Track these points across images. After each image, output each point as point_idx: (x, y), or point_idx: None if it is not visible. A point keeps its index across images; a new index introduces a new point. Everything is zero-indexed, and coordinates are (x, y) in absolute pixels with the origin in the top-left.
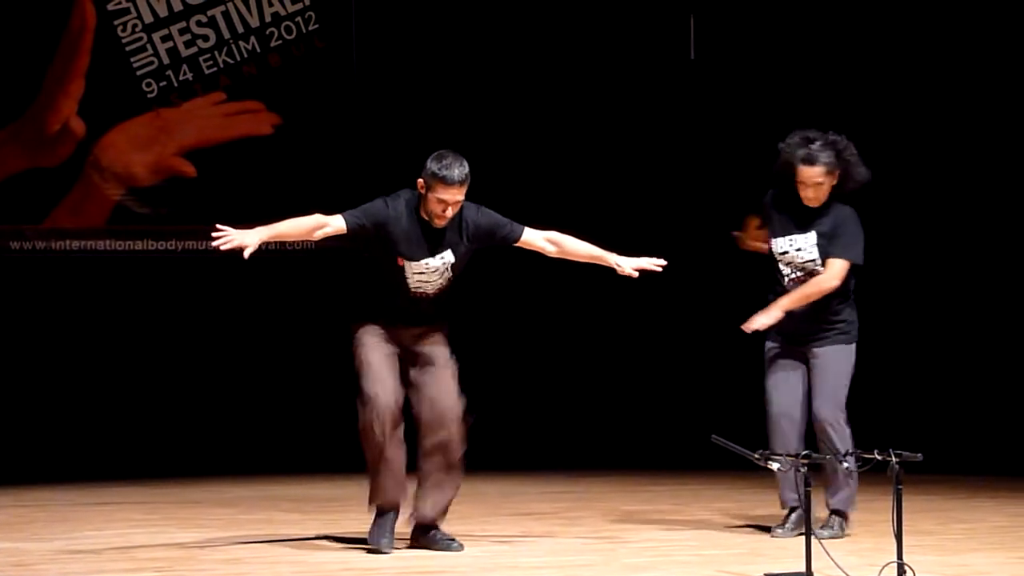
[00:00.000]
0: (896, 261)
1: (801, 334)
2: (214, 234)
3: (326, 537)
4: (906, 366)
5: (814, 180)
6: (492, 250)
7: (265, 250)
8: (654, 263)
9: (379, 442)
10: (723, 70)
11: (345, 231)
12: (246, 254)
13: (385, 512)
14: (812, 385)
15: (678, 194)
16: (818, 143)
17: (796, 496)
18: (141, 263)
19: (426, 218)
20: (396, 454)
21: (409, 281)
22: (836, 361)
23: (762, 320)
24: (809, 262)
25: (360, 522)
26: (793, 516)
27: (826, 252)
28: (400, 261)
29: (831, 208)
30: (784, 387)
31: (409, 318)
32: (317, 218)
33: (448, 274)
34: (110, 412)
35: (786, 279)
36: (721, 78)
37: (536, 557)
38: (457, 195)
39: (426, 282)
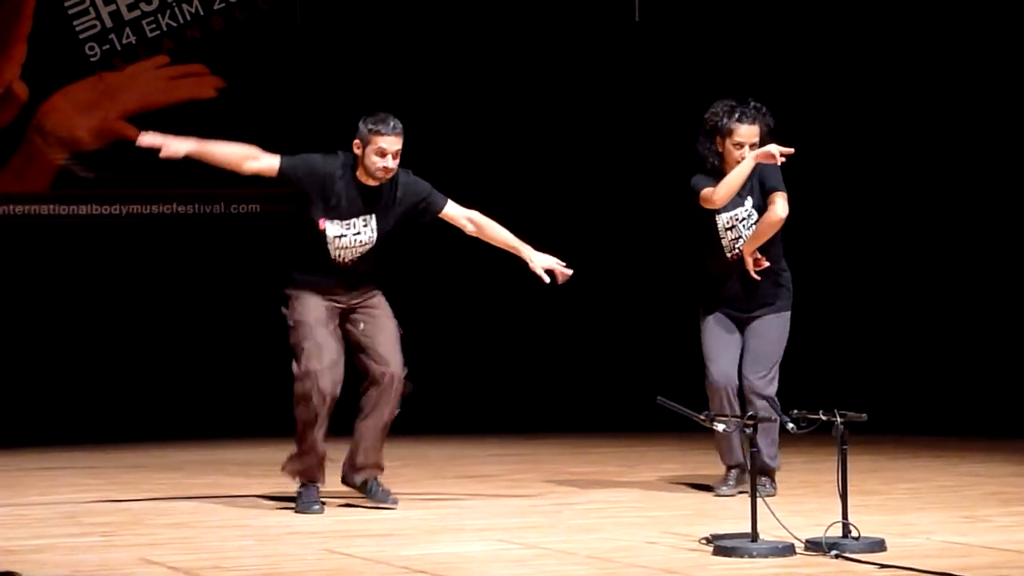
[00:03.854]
0: (838, 222)
1: (746, 304)
2: (140, 135)
3: (272, 500)
4: (850, 327)
5: (751, 139)
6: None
7: (210, 213)
8: (562, 269)
9: (313, 417)
10: (668, 32)
11: (276, 171)
12: (163, 154)
13: (309, 485)
14: (748, 350)
15: (622, 157)
16: (748, 106)
17: (735, 455)
18: (85, 228)
19: (363, 180)
20: (324, 432)
21: (330, 247)
22: (775, 329)
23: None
24: (752, 226)
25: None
26: (733, 473)
27: (763, 197)
28: (321, 225)
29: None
30: (726, 355)
31: (337, 283)
32: (252, 149)
33: (369, 243)
34: (55, 377)
35: (728, 254)
36: (666, 40)
37: (482, 519)
38: (394, 143)
39: (345, 248)
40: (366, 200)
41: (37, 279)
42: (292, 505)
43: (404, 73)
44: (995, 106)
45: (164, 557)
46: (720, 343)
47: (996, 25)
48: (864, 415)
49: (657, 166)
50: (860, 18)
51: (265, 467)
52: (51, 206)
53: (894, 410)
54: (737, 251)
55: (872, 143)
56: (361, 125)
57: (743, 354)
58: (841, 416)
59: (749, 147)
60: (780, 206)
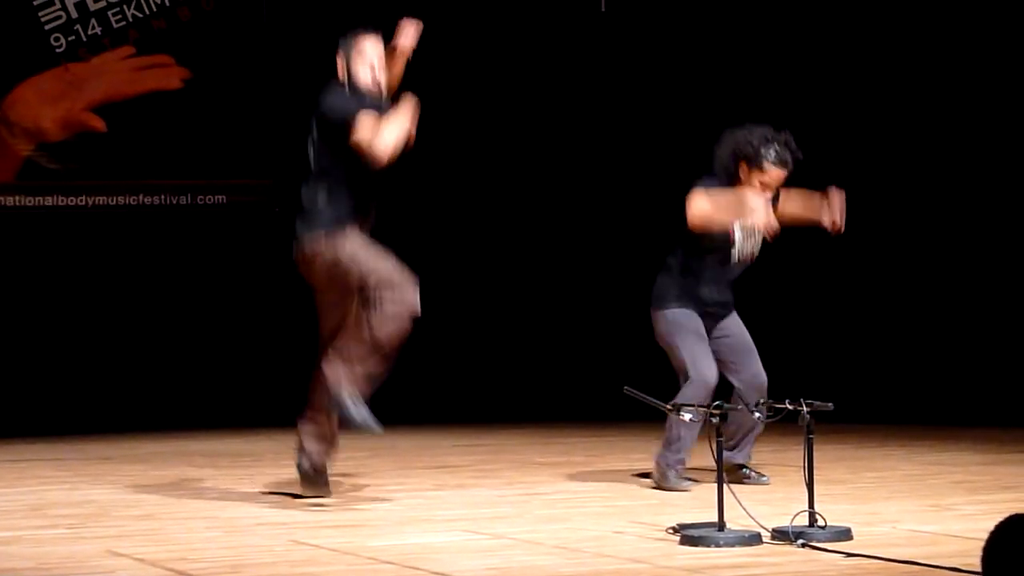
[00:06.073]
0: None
1: (719, 306)
2: None
3: (239, 492)
4: (816, 316)
5: (778, 182)
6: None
7: (176, 204)
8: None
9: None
10: (633, 23)
11: None
12: None
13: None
14: (739, 343)
15: (587, 148)
16: (781, 143)
17: None
18: (51, 219)
19: None
20: None
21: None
22: (742, 324)
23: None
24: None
25: (273, 477)
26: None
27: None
28: None
29: None
30: (710, 356)
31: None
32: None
33: None
34: (20, 369)
35: (735, 259)
36: (631, 31)
37: (450, 510)
38: (379, 47)
39: None
40: None
41: (0, 271)
42: (260, 496)
43: None
44: (967, 98)
45: (131, 549)
46: (703, 344)
47: (993, 25)
48: (830, 404)
49: (624, 158)
50: (835, 3)
51: (232, 458)
52: (16, 197)
53: (860, 399)
54: (744, 256)
55: (839, 131)
56: (340, 40)
57: (727, 349)
58: (807, 405)
59: (772, 188)
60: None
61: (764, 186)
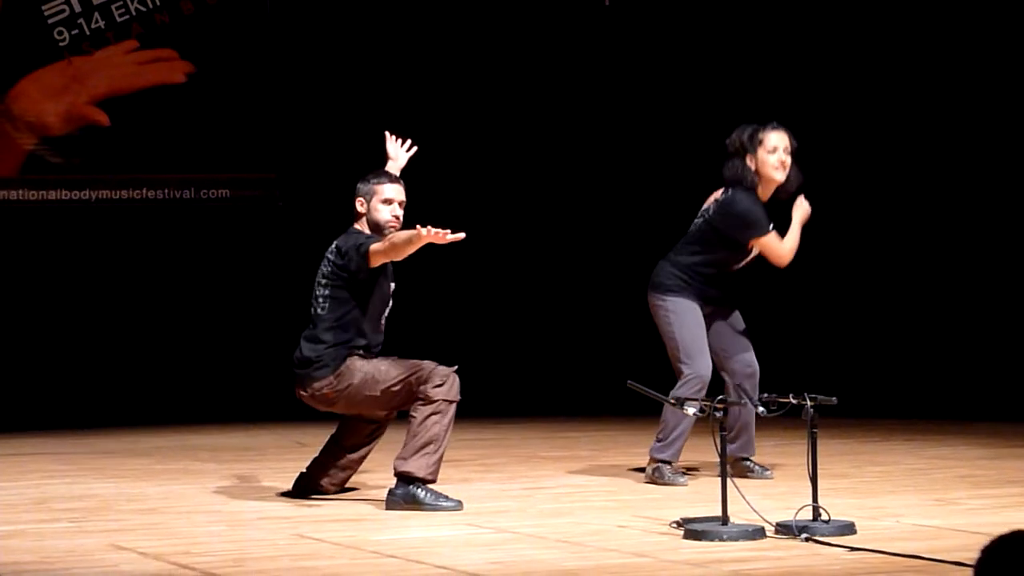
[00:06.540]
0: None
1: (719, 298)
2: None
3: (242, 486)
4: (820, 310)
5: (784, 143)
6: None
7: (180, 198)
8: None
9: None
10: (637, 16)
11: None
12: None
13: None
14: (736, 336)
15: (592, 143)
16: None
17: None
18: (54, 213)
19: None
20: None
21: (389, 305)
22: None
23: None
24: None
25: (276, 471)
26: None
27: None
28: (390, 286)
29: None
30: (707, 350)
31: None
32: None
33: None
34: (23, 363)
35: (735, 266)
36: (636, 24)
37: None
38: (401, 193)
39: (389, 307)
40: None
41: (4, 265)
42: (263, 491)
43: (373, 57)
44: (970, 95)
45: (134, 543)
46: (702, 338)
47: (995, 25)
48: (834, 398)
49: (626, 152)
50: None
51: (236, 452)
52: (20, 191)
53: (864, 393)
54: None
55: (843, 124)
56: (360, 183)
57: (721, 336)
58: (811, 399)
59: (783, 150)
60: None
61: (775, 152)
